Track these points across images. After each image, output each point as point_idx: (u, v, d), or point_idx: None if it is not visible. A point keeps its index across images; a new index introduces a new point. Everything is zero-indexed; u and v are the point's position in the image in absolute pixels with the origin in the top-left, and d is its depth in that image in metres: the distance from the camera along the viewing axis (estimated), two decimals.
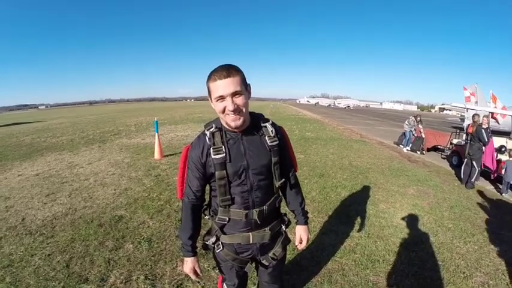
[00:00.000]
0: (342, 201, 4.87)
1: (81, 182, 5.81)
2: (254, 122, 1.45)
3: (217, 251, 1.54)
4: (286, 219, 1.65)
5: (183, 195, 1.51)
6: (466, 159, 6.52)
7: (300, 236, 1.69)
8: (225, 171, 1.37)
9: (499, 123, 12.07)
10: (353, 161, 8.04)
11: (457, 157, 8.29)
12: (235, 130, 1.38)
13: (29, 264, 2.95)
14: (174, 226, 3.81)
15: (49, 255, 3.13)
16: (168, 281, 2.71)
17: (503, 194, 5.89)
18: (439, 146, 10.49)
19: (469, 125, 6.80)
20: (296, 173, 1.69)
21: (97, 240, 3.44)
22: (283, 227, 1.63)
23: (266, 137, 1.44)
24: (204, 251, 1.85)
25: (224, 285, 1.71)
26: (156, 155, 7.93)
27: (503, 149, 7.05)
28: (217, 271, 2.53)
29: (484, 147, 6.37)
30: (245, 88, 1.33)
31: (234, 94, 1.27)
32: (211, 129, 1.40)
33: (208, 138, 1.38)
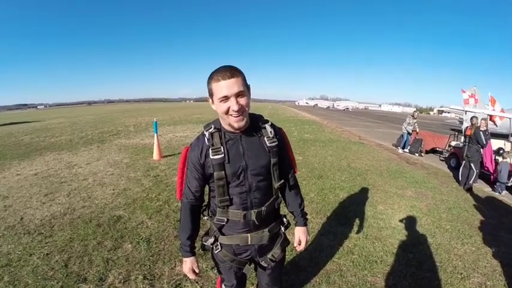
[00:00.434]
0: (340, 202, 4.88)
1: (79, 182, 5.81)
2: (253, 123, 1.45)
3: (215, 252, 1.54)
4: (285, 220, 1.65)
5: (182, 196, 1.51)
6: (464, 162, 6.56)
7: (299, 237, 1.68)
8: (223, 172, 1.37)
9: (497, 126, 12.10)
10: (351, 162, 8.06)
11: (455, 159, 8.33)
12: (235, 131, 1.38)
13: (27, 263, 2.95)
14: (172, 226, 3.81)
15: (47, 254, 3.12)
16: (167, 281, 2.71)
17: (500, 193, 6.03)
18: (437, 148, 10.52)
19: (467, 127, 6.84)
20: (296, 175, 1.68)
21: (96, 240, 3.44)
22: (283, 228, 1.63)
23: (265, 138, 1.44)
24: (202, 252, 1.86)
25: (223, 285, 1.70)
26: (155, 156, 7.92)
27: (501, 151, 7.08)
28: (215, 271, 2.53)
29: (482, 150, 6.41)
30: (247, 89, 1.34)
31: (237, 94, 1.27)
32: (210, 130, 1.40)
33: (207, 139, 1.38)
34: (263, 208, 1.45)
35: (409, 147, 10.73)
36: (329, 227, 3.95)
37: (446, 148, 9.79)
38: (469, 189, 6.10)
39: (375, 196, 5.29)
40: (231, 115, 1.30)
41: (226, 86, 1.26)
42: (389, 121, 32.09)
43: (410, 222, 4.22)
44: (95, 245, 3.34)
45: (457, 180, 6.71)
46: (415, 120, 10.81)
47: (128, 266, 2.95)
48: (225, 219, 1.45)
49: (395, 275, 2.95)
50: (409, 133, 10.78)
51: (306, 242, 1.70)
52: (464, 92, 11.84)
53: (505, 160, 6.25)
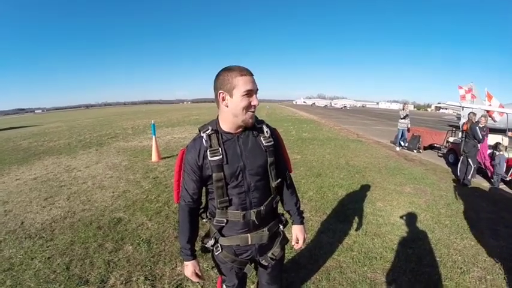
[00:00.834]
0: (339, 200, 4.90)
1: (79, 185, 5.82)
2: None
3: (216, 253, 1.54)
4: (284, 219, 1.66)
5: (179, 199, 1.51)
6: (461, 157, 6.59)
7: (296, 235, 1.69)
8: (222, 173, 1.37)
9: (495, 121, 12.15)
10: (350, 160, 8.09)
11: (453, 155, 8.36)
12: (233, 131, 1.41)
13: (29, 267, 2.96)
14: (172, 227, 3.82)
15: (49, 258, 3.14)
16: (168, 281, 2.73)
17: (497, 186, 6.19)
18: (435, 145, 10.56)
19: (464, 123, 6.88)
20: (291, 174, 1.70)
21: (96, 243, 3.45)
22: (281, 227, 1.64)
23: (261, 138, 1.45)
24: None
25: (224, 285, 1.71)
26: (154, 158, 7.94)
27: (499, 146, 7.13)
28: (216, 271, 2.55)
29: (479, 145, 6.45)
30: None
31: (257, 91, 1.35)
32: (207, 132, 1.40)
33: (205, 141, 1.38)
34: (262, 207, 1.46)
35: (407, 144, 10.67)
36: (328, 224, 3.97)
37: (444, 144, 9.83)
38: (468, 185, 6.13)
39: (373, 193, 5.32)
40: (249, 111, 1.34)
41: (251, 81, 1.31)
42: (387, 118, 32.14)
43: (409, 218, 4.25)
44: (95, 247, 3.35)
45: (456, 176, 6.75)
46: (406, 112, 10.41)
47: (129, 267, 2.96)
48: (225, 220, 1.45)
49: (395, 270, 2.97)
50: (407, 129, 10.64)
51: (304, 240, 1.71)
52: (461, 88, 11.89)
53: (501, 153, 6.35)
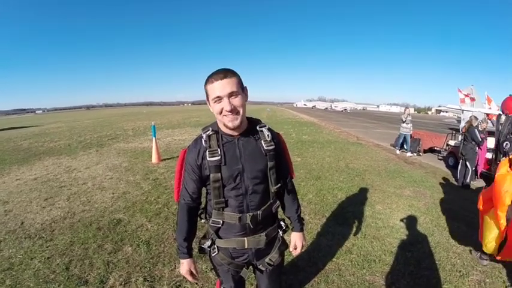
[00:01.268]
0: (338, 203, 4.91)
1: (79, 186, 5.83)
2: (251, 127, 1.46)
3: (212, 255, 1.54)
4: (283, 224, 1.64)
5: (179, 197, 1.52)
6: (461, 160, 6.60)
7: (295, 242, 1.69)
8: (219, 174, 1.38)
9: (493, 125, 12.15)
10: (350, 163, 8.10)
11: (453, 158, 8.37)
12: (233, 133, 1.40)
13: (28, 267, 2.97)
14: (172, 229, 3.83)
15: (48, 258, 3.14)
16: (167, 283, 2.73)
17: None
18: (435, 148, 10.57)
19: (464, 126, 6.89)
20: (293, 180, 1.69)
21: (96, 243, 3.46)
22: (281, 232, 1.63)
23: (262, 141, 1.45)
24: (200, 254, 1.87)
25: (222, 287, 1.70)
26: (154, 159, 7.95)
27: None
28: (215, 273, 2.55)
29: (477, 148, 6.45)
30: (241, 90, 1.36)
31: (230, 95, 1.30)
32: (207, 132, 1.41)
33: (205, 141, 1.40)
34: (259, 212, 1.45)
35: (410, 150, 10.24)
36: (327, 227, 3.97)
37: (444, 147, 9.83)
38: (467, 187, 6.13)
39: (373, 196, 5.32)
40: (225, 115, 1.32)
41: (218, 87, 1.29)
42: (387, 121, 32.16)
43: (408, 221, 4.25)
44: (95, 248, 3.36)
45: (456, 179, 6.75)
46: (409, 117, 10.20)
47: (128, 268, 2.97)
48: (221, 221, 1.45)
49: (393, 273, 2.97)
50: (410, 135, 10.28)
51: (302, 247, 1.71)
52: (460, 91, 11.90)
53: None
